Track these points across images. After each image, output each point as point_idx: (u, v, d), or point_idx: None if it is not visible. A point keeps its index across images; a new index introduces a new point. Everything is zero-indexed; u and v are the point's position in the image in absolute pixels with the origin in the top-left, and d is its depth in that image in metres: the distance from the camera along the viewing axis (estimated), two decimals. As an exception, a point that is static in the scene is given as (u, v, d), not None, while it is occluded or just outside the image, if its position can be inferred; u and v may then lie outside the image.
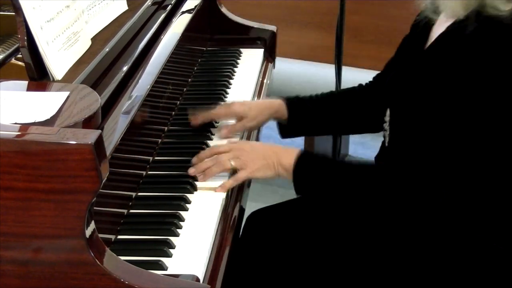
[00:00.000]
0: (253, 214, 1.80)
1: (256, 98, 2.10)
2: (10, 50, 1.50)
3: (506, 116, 1.41)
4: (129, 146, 1.52)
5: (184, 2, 2.08)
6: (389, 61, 1.80)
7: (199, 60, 2.26)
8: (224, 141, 1.78)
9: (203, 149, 1.75)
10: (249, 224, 1.78)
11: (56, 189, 1.15)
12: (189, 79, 2.12)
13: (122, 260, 1.23)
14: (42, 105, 1.26)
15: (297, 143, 2.86)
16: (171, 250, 1.38)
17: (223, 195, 1.58)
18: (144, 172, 1.64)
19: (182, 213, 1.50)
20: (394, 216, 1.52)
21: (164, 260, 1.35)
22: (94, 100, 1.29)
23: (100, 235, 1.22)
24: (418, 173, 1.48)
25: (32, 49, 1.35)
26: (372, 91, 1.87)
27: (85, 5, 1.58)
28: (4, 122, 1.19)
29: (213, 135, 1.85)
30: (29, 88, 1.34)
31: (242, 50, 2.36)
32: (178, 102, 1.96)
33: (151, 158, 1.70)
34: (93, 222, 1.20)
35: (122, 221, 1.47)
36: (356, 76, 3.00)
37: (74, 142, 1.14)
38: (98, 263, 1.18)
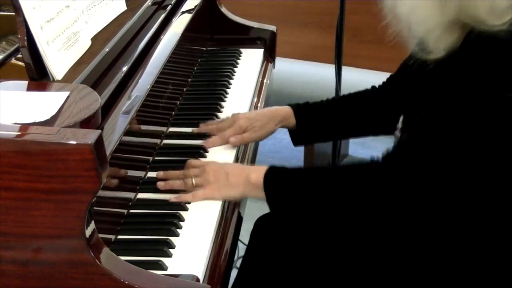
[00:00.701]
0: (261, 218, 1.79)
1: (256, 98, 2.10)
2: (10, 50, 1.50)
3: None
4: (129, 146, 1.52)
5: (184, 2, 2.08)
6: (403, 63, 1.76)
7: (199, 60, 2.26)
8: (223, 148, 1.78)
9: (204, 149, 1.75)
10: (257, 228, 1.76)
11: (56, 189, 1.15)
12: (189, 79, 2.11)
13: (122, 260, 1.23)
14: (42, 105, 1.26)
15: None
16: (171, 250, 1.38)
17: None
18: (144, 172, 1.64)
19: (182, 213, 1.50)
20: (371, 223, 1.51)
21: (164, 260, 1.35)
22: (94, 100, 1.29)
23: (100, 235, 1.22)
24: (414, 187, 1.46)
25: (32, 49, 1.35)
26: (386, 94, 1.85)
27: (85, 5, 1.58)
28: (4, 122, 1.19)
29: (213, 135, 1.85)
30: (29, 88, 1.34)
31: (242, 50, 2.36)
32: (178, 102, 1.96)
33: (151, 158, 1.70)
34: (93, 222, 1.20)
35: (122, 221, 1.47)
36: (356, 76, 3.02)
37: (74, 142, 1.14)
38: (98, 263, 1.18)
